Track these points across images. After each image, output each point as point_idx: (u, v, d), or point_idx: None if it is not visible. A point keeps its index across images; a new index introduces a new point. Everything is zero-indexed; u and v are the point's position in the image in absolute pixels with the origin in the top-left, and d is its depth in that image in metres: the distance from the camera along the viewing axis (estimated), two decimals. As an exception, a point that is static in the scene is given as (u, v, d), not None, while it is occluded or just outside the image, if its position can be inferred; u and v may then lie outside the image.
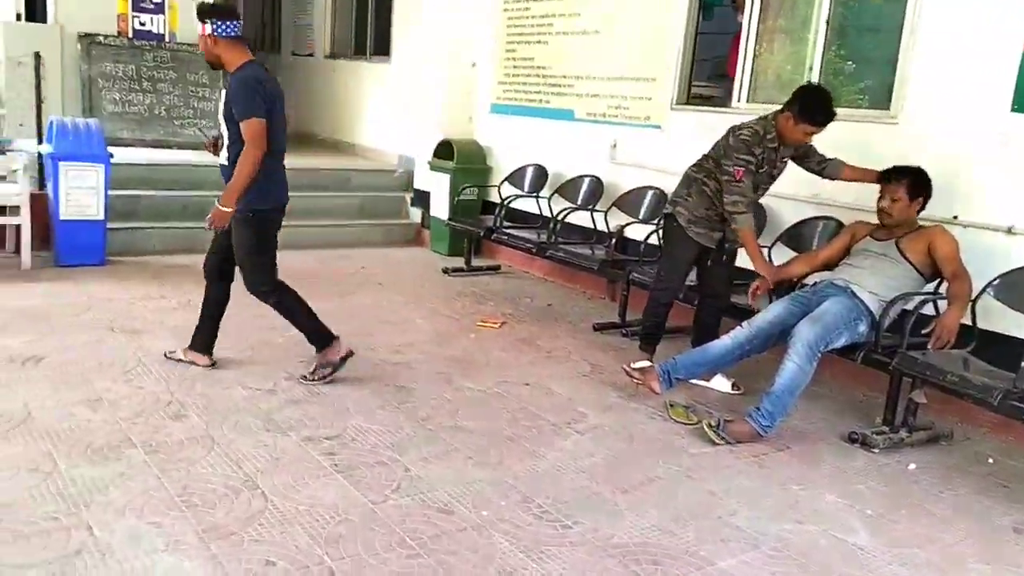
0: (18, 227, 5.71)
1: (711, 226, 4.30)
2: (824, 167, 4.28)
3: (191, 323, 4.78)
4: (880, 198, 3.99)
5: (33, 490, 2.84)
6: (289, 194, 4.18)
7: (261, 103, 3.76)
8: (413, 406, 3.86)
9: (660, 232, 4.76)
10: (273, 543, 2.63)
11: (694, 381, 4.23)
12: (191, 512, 2.78)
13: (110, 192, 5.85)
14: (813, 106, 3.98)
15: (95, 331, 4.55)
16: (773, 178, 4.28)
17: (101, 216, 5.77)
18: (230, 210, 3.82)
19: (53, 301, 5.04)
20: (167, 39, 7.86)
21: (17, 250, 5.76)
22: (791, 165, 4.30)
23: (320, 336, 4.08)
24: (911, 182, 3.92)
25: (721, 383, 4.31)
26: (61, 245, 5.80)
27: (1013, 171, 3.95)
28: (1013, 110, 3.93)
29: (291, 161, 7.98)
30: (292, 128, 10.21)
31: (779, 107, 4.12)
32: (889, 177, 3.98)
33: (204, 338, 4.20)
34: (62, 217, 5.71)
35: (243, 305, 5.19)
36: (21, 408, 3.50)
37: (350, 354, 4.10)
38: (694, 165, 4.38)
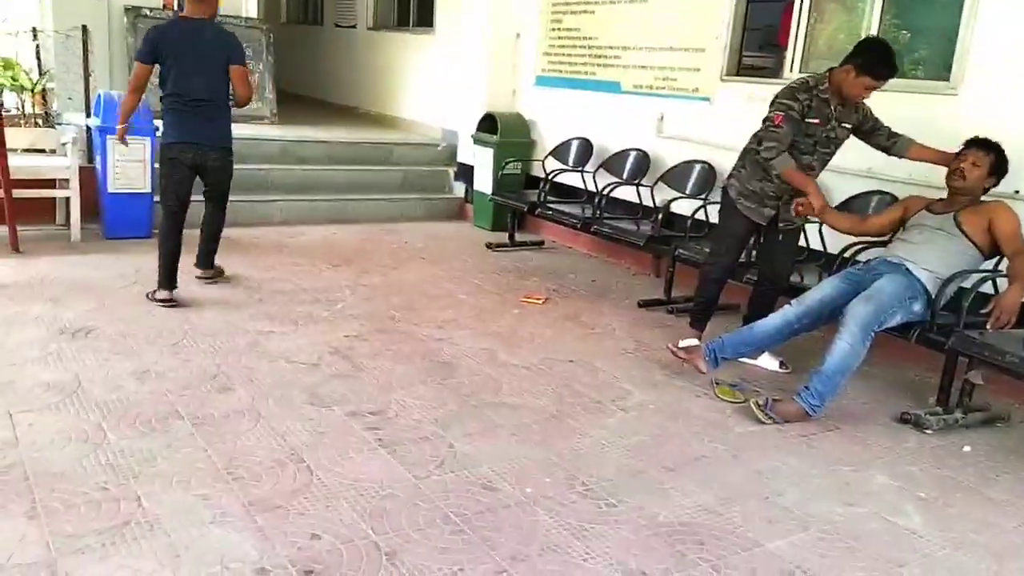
0: (68, 200, 5.80)
1: (762, 201, 4.18)
2: (893, 143, 4.11)
3: (237, 296, 4.87)
4: (960, 159, 3.81)
5: (83, 460, 2.88)
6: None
7: (147, 50, 4.52)
8: (457, 382, 3.85)
9: (717, 207, 4.61)
10: (318, 517, 2.64)
11: (741, 359, 4.14)
12: (237, 485, 2.80)
13: (157, 165, 5.90)
14: (876, 57, 3.82)
15: (143, 304, 4.60)
16: (831, 143, 4.08)
17: (148, 189, 5.82)
18: (117, 128, 4.83)
19: (102, 273, 5.12)
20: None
21: (67, 223, 5.85)
22: (856, 143, 4.15)
23: (163, 275, 4.62)
24: (998, 157, 3.77)
25: (768, 362, 4.23)
26: (109, 218, 5.88)
27: (1080, 144, 3.79)
28: (1082, 80, 3.76)
29: (332, 134, 8.09)
30: (334, 101, 10.26)
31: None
32: (976, 143, 3.80)
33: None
34: (110, 190, 5.78)
35: (287, 279, 5.26)
36: (72, 379, 3.56)
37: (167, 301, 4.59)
38: (752, 136, 4.25)
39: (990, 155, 3.78)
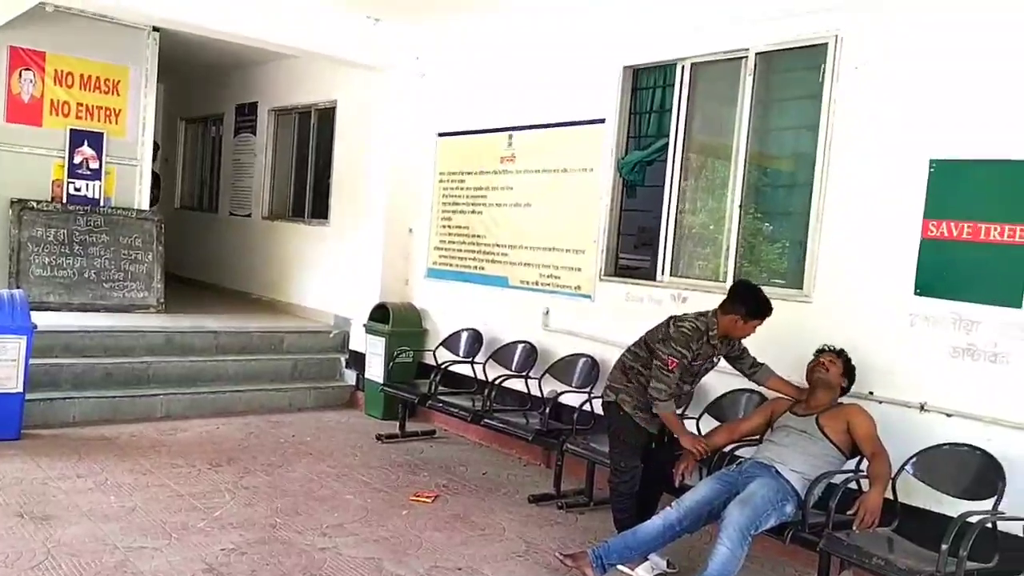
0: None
1: (654, 414, 4.35)
2: (755, 371, 4.48)
3: (105, 506, 4.61)
4: (815, 364, 4.18)
5: None
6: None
7: None
8: (339, 599, 3.71)
9: (609, 421, 4.60)
10: None
11: (621, 568, 4.12)
12: None
13: (31, 361, 5.69)
14: (755, 302, 4.24)
15: (2, 517, 4.30)
16: (707, 371, 4.46)
17: (20, 388, 5.58)
18: None
19: (-41, 482, 4.78)
20: (102, 203, 7.91)
21: (-74, 424, 5.50)
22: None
23: None
24: (846, 360, 4.18)
25: (653, 564, 4.17)
26: (-26, 418, 5.57)
27: (921, 351, 4.16)
28: (916, 293, 4.19)
29: (221, 323, 7.96)
30: (228, 287, 10.20)
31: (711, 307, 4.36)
32: (826, 349, 4.21)
33: None
34: (-23, 389, 5.52)
35: (164, 484, 5.02)
36: (-89, 616, 3.25)
37: None
38: (629, 352, 4.48)
39: (840, 358, 4.18)
